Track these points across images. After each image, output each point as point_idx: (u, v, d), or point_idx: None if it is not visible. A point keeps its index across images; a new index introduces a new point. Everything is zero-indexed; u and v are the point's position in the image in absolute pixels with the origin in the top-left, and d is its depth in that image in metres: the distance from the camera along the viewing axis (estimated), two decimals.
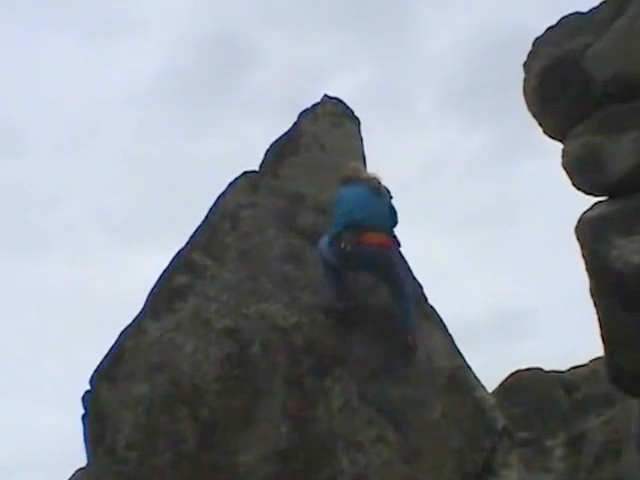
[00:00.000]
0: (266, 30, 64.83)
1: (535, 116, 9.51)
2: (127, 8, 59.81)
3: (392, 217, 7.31)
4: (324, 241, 7.07)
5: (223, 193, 7.98)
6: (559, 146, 9.10)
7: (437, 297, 7.53)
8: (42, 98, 56.58)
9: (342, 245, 6.81)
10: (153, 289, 7.55)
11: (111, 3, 59.28)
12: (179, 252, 7.70)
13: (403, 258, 7.39)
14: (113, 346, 7.31)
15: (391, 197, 7.41)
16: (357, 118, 8.55)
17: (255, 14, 61.80)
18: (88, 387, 7.20)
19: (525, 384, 15.86)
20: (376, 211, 7.05)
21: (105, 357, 7.27)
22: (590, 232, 8.25)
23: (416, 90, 62.76)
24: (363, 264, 7.03)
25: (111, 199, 53.81)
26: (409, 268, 7.55)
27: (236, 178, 8.06)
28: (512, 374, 16.35)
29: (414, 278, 7.50)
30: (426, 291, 7.48)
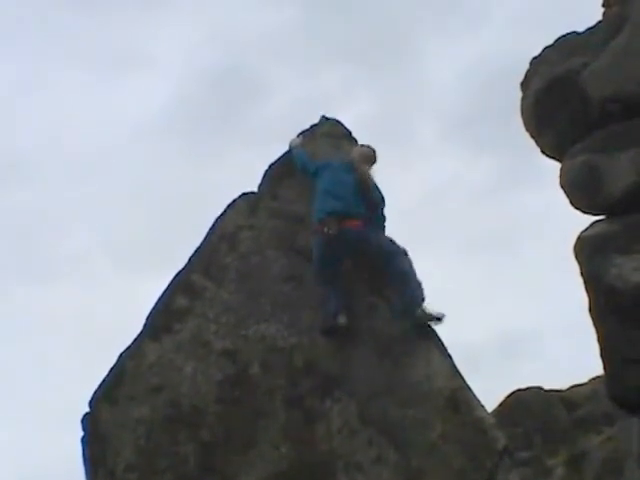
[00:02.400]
0: (270, 63, 65.30)
1: (532, 135, 9.52)
2: (135, 42, 60.31)
3: (381, 225, 7.48)
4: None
5: (222, 214, 8.00)
6: (558, 166, 9.12)
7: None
8: (51, 129, 56.81)
9: (326, 229, 7.03)
10: (152, 310, 7.56)
11: (120, 37, 59.72)
12: (178, 273, 7.71)
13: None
14: (113, 368, 7.31)
15: (384, 205, 7.50)
16: (355, 139, 8.56)
17: (260, 47, 62.44)
18: (88, 409, 7.19)
19: (525, 403, 15.80)
20: (358, 204, 7.25)
21: (105, 379, 7.27)
22: (589, 251, 8.25)
23: (418, 120, 62.83)
24: (348, 246, 7.14)
25: (117, 228, 53.99)
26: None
27: (235, 199, 8.08)
28: (512, 393, 16.29)
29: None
30: None
